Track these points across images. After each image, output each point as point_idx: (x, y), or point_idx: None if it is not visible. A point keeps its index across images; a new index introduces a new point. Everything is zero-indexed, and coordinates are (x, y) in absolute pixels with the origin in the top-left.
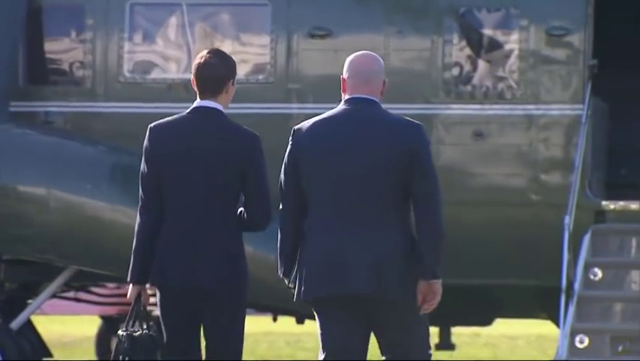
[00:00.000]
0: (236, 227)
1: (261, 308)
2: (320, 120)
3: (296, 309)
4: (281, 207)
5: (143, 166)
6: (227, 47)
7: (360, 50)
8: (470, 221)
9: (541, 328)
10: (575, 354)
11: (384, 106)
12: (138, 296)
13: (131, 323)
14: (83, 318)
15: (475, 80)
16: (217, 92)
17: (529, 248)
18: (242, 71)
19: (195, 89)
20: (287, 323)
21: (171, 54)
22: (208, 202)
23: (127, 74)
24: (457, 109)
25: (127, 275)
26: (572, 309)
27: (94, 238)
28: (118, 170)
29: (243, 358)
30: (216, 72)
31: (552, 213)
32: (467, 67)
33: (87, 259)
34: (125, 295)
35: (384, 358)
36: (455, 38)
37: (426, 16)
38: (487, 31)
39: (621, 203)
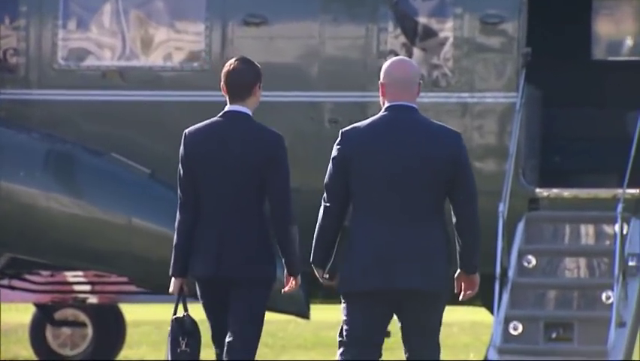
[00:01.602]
0: (263, 223)
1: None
2: (367, 125)
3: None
4: (326, 203)
5: (179, 168)
6: (161, 34)
7: (294, 38)
8: None
9: (475, 315)
10: (509, 341)
11: (323, 93)
12: (181, 288)
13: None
14: (18, 306)
15: None
16: (246, 96)
17: None
18: (177, 58)
19: (225, 95)
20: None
21: (106, 41)
22: (235, 200)
23: (61, 62)
24: None
25: (50, 263)
26: (506, 296)
27: (28, 225)
28: (52, 157)
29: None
30: (245, 78)
31: (486, 201)
32: (402, 55)
33: (21, 246)
34: (60, 282)
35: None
36: (390, 26)
37: (361, 3)
38: (422, 19)
39: (555, 190)
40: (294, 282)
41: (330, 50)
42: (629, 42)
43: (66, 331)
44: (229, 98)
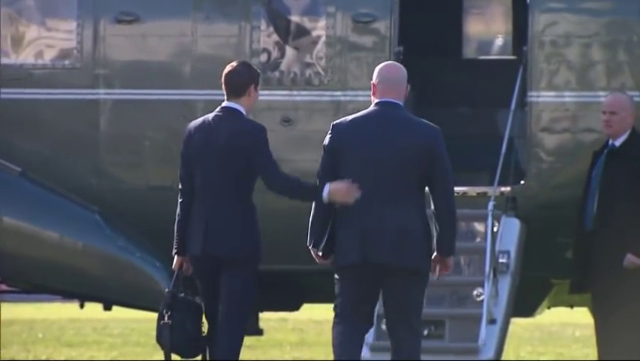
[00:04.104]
0: (249, 205)
1: (68, 295)
2: (355, 118)
3: (105, 296)
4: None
5: (180, 158)
6: (32, 32)
7: (166, 36)
8: (279, 207)
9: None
10: (381, 337)
11: (195, 91)
12: (180, 265)
13: (174, 287)
14: None
15: (283, 67)
16: (240, 94)
17: None
18: (48, 56)
19: (224, 92)
20: (94, 309)
21: None
22: (223, 186)
23: None
24: (265, 95)
25: None
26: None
27: None
28: None
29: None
30: (240, 78)
31: None
32: (275, 53)
33: None
34: None
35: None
36: (263, 24)
37: (234, 2)
38: (295, 18)
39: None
40: None
41: (202, 48)
42: (499, 41)
43: None
44: (226, 95)
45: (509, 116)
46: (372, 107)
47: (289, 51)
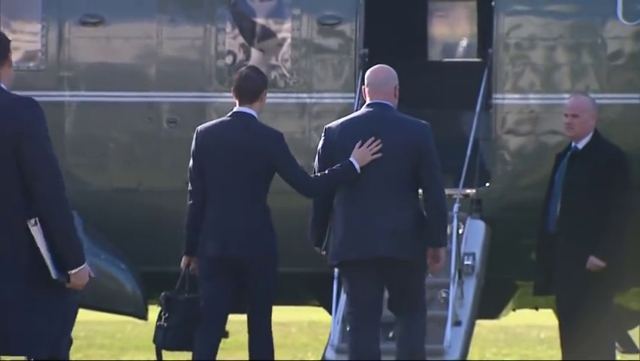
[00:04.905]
0: (265, 206)
1: None
2: (347, 120)
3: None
4: None
5: (191, 161)
6: None
7: (131, 38)
8: None
9: (313, 315)
10: (346, 340)
11: (160, 94)
12: (188, 265)
13: (180, 287)
14: None
15: None
16: (253, 100)
17: (299, 236)
18: (13, 58)
19: (235, 98)
20: None
21: None
22: (240, 188)
23: None
24: (230, 97)
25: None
26: (344, 296)
27: None
28: None
29: None
30: (254, 84)
31: None
32: (240, 55)
33: None
34: None
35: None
36: (228, 27)
37: (199, 4)
38: (260, 20)
39: None
40: None
41: (167, 50)
42: (463, 43)
43: None
44: (238, 101)
45: (474, 118)
46: (362, 109)
47: (254, 53)
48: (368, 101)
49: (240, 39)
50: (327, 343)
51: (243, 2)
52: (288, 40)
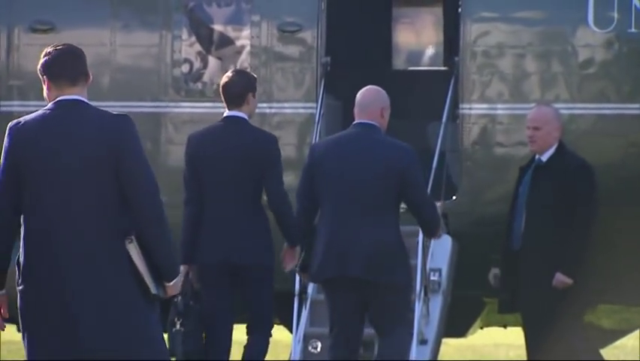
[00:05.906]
0: (263, 213)
1: None
2: (332, 139)
3: None
4: (297, 206)
5: (185, 167)
6: None
7: (84, 45)
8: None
9: (274, 333)
10: (308, 359)
11: (114, 103)
12: (187, 274)
13: (184, 295)
14: None
15: (206, 77)
16: (240, 103)
17: None
18: None
19: (223, 102)
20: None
21: None
22: (238, 194)
23: None
24: (187, 107)
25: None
26: (305, 314)
27: None
28: None
29: None
30: (237, 89)
31: None
32: (197, 64)
33: None
34: None
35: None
36: (185, 34)
37: (154, 10)
38: (218, 27)
39: None
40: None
41: (121, 58)
42: (429, 51)
43: None
44: (226, 105)
45: (440, 129)
46: (348, 129)
47: (212, 61)
48: (355, 122)
49: (197, 46)
50: None
51: (200, 8)
52: (247, 48)
